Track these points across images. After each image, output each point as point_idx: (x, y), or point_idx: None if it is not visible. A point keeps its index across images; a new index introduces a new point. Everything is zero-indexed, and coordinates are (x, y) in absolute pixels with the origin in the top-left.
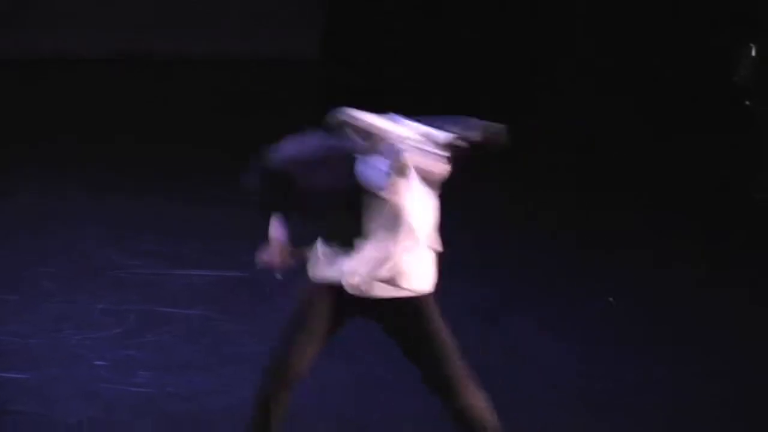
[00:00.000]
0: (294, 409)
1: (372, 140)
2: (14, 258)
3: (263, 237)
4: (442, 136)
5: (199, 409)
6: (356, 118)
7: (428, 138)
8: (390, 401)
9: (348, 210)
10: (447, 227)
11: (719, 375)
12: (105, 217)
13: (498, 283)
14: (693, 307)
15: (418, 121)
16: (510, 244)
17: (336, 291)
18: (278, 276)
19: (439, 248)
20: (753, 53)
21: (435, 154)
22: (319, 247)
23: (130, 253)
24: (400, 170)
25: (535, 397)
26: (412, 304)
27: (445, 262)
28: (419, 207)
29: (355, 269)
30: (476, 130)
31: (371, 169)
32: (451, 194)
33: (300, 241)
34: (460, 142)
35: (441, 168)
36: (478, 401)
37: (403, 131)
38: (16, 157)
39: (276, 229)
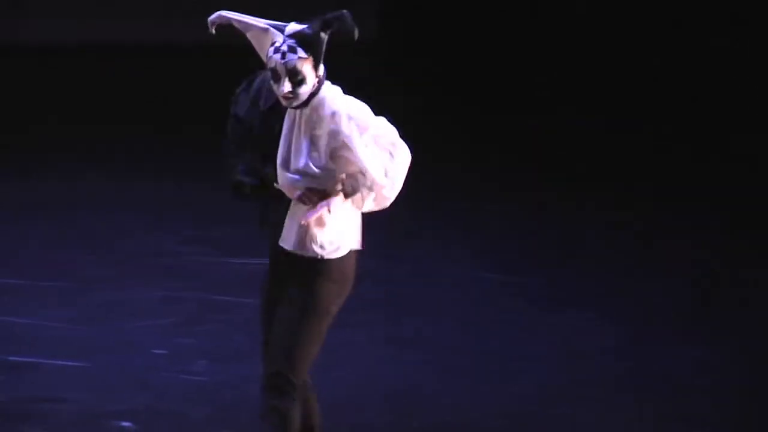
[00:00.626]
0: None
1: (254, 34)
2: (55, 244)
3: None
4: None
5: (254, 398)
6: (234, 17)
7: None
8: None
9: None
10: (487, 221)
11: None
12: (144, 202)
13: (539, 274)
14: (730, 295)
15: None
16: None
17: (278, 254)
18: None
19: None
20: None
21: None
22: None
23: (182, 240)
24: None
25: (584, 382)
26: (309, 269)
27: (492, 255)
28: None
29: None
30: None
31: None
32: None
33: None
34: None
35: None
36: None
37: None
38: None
39: None
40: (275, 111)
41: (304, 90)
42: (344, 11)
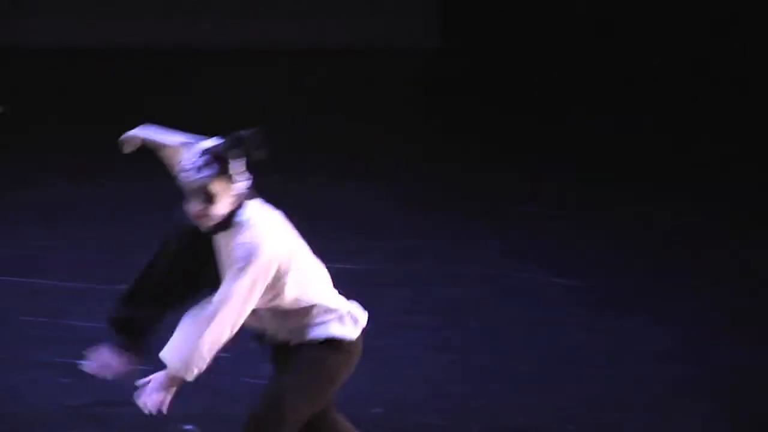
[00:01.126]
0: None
1: (166, 153)
2: (116, 247)
3: (372, 229)
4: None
5: None
6: (148, 136)
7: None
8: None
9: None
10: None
11: None
12: None
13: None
14: None
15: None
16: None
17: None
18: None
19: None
20: None
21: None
22: None
23: None
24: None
25: (642, 384)
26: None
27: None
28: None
29: None
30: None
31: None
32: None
33: None
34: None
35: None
36: None
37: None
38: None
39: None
40: (194, 234)
41: (217, 210)
42: (256, 130)
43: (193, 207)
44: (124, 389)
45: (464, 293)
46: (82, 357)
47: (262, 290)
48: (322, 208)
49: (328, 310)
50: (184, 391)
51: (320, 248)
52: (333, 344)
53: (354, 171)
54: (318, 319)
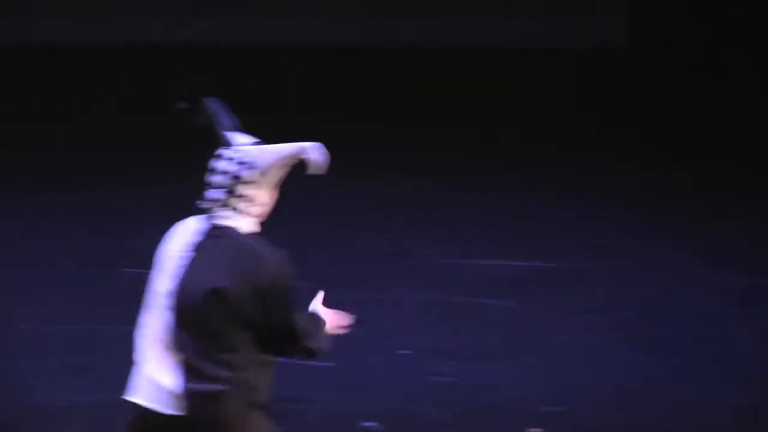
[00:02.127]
0: None
1: None
2: (295, 243)
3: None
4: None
5: (500, 399)
6: None
7: None
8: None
9: None
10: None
11: None
12: (401, 204)
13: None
14: None
15: None
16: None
17: None
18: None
19: None
20: None
21: None
22: None
23: (427, 242)
24: None
25: None
26: None
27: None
28: None
29: None
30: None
31: None
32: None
33: None
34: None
35: None
36: None
37: None
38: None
39: None
40: None
41: None
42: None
43: None
44: (306, 386)
45: (659, 293)
46: None
47: None
48: (519, 208)
49: None
50: (367, 388)
51: (517, 248)
52: None
53: (546, 170)
54: None
